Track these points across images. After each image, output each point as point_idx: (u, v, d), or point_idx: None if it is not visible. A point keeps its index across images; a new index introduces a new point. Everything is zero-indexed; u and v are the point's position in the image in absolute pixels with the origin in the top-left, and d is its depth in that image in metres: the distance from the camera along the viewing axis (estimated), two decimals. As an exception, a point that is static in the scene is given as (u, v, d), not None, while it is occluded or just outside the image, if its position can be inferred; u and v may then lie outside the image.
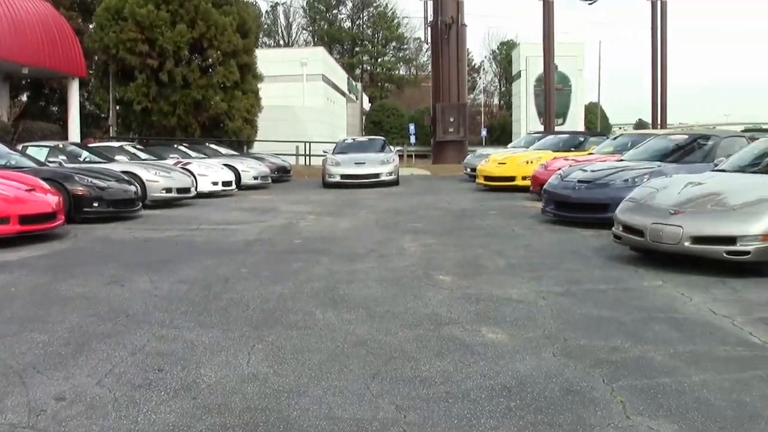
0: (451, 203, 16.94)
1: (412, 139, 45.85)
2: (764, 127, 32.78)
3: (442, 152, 31.94)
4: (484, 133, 60.41)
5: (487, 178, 20.01)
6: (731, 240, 7.91)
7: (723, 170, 10.08)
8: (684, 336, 5.84)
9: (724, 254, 7.92)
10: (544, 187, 13.28)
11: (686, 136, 14.42)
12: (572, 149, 20.47)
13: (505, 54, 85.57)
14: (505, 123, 67.70)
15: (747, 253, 7.83)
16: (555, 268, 8.65)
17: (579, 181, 12.49)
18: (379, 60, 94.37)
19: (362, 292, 7.53)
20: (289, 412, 4.30)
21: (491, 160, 20.58)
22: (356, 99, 67.89)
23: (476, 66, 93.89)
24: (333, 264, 9.13)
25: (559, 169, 14.01)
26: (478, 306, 6.89)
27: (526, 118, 55.84)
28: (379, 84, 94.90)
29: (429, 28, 34.25)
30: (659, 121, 38.93)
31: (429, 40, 34.81)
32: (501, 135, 62.77)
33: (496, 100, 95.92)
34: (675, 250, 8.23)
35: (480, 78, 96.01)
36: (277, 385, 4.74)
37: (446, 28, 32.13)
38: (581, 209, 12.10)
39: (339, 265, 9.03)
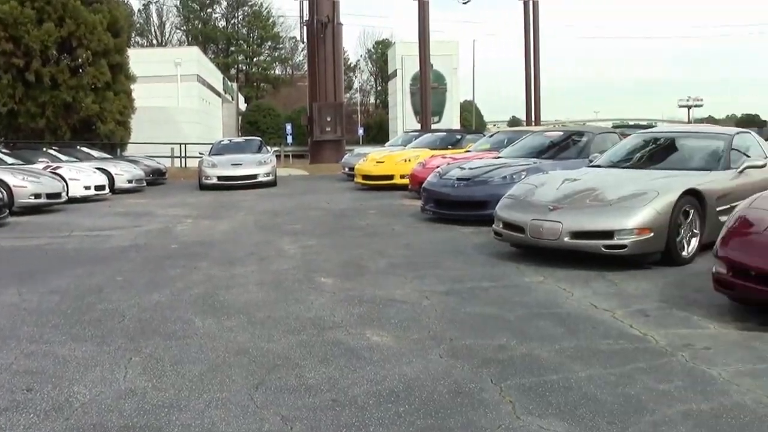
0: (330, 203, 16.81)
1: (289, 139, 45.51)
2: (631, 123, 33.95)
3: (319, 152, 31.76)
4: (361, 132, 60.49)
5: (365, 177, 19.95)
6: (609, 234, 8.04)
7: (598, 166, 10.27)
8: (568, 331, 5.87)
9: (603, 248, 8.05)
10: (423, 185, 13.30)
11: (561, 133, 14.70)
12: (449, 147, 20.63)
13: (380, 53, 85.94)
14: (381, 121, 67.99)
15: (624, 246, 7.98)
16: (437, 267, 8.63)
17: (458, 179, 12.54)
18: (255, 60, 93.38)
19: (242, 298, 7.34)
20: (169, 429, 4.10)
21: (369, 159, 20.54)
22: (232, 99, 66.98)
23: (352, 65, 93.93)
24: (212, 269, 8.89)
25: (437, 167, 14.06)
26: (361, 308, 6.78)
27: (402, 116, 56.14)
28: (255, 84, 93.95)
29: (305, 28, 34.01)
30: (533, 118, 39.75)
31: (305, 40, 34.53)
32: (378, 134, 63.00)
33: (372, 99, 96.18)
34: (555, 245, 8.32)
35: (356, 77, 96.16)
36: (156, 400, 4.53)
37: (322, 27, 32.00)
38: (461, 207, 12.16)
39: (218, 270, 8.80)
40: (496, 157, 14.12)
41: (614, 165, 10.15)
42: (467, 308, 6.70)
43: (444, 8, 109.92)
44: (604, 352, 5.34)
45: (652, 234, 8.02)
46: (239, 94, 75.16)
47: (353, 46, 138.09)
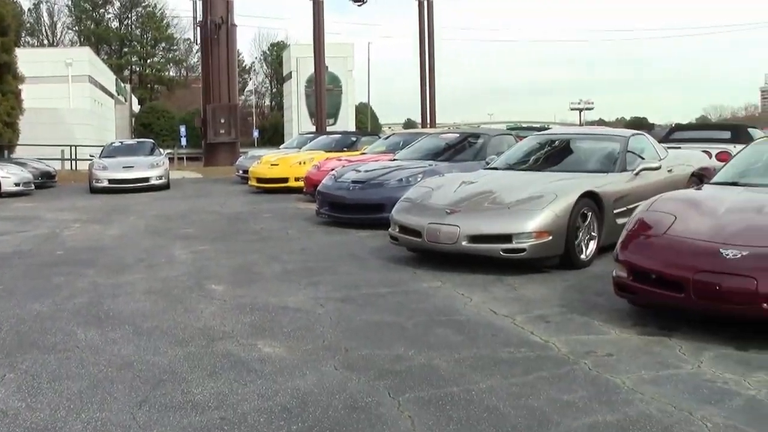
0: (223, 207, 16.35)
1: (183, 142, 44.55)
2: (524, 125, 34.22)
3: (213, 154, 31.08)
4: (256, 134, 59.71)
5: (259, 180, 19.52)
6: (507, 238, 7.89)
7: (495, 168, 10.15)
8: (467, 339, 5.67)
9: (501, 252, 7.89)
10: (318, 188, 13.00)
11: (457, 135, 14.59)
12: (344, 149, 20.38)
13: (275, 55, 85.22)
14: (277, 124, 67.36)
15: (523, 250, 7.84)
16: (332, 273, 8.35)
17: (353, 182, 12.28)
18: (149, 61, 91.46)
19: (129, 307, 6.93)
20: (37, 457, 3.70)
21: (263, 162, 20.12)
22: (125, 101, 65.42)
23: (247, 67, 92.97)
24: (98, 276, 8.43)
25: (333, 169, 13.78)
26: (253, 317, 6.46)
27: (298, 118, 55.73)
28: (149, 86, 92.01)
29: (198, 28, 33.26)
30: (428, 121, 39.80)
31: (198, 41, 33.77)
32: (273, 136, 62.35)
33: (267, 101, 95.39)
34: (453, 249, 8.13)
35: (251, 79, 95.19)
36: (29, 422, 4.17)
37: (216, 28, 31.34)
38: (356, 210, 11.90)
39: (105, 278, 8.34)
40: (391, 160, 13.92)
41: (511, 167, 10.05)
42: (363, 316, 6.44)
43: (340, 11, 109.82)
44: (505, 361, 5.14)
45: (550, 237, 7.91)
46: (132, 96, 73.44)
47: (248, 47, 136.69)
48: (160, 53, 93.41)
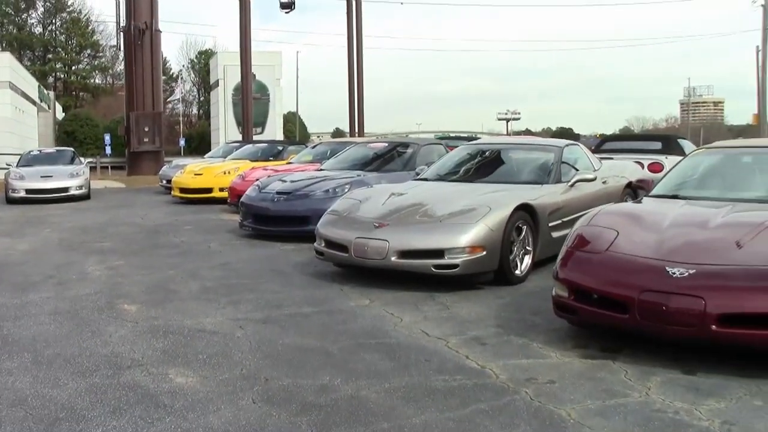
0: (144, 218, 15.66)
1: (108, 150, 43.38)
2: (453, 135, 34.03)
3: (137, 163, 30.19)
4: (182, 143, 58.45)
5: (182, 190, 18.86)
6: (439, 253, 7.49)
7: (425, 179, 9.77)
8: (398, 366, 5.24)
9: (433, 268, 7.49)
10: (242, 199, 12.47)
11: (386, 145, 14.18)
12: (270, 159, 19.85)
13: (203, 63, 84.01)
14: (204, 132, 66.20)
15: (455, 266, 7.45)
16: (254, 290, 7.85)
17: (278, 193, 11.78)
18: (74, 68, 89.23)
19: (31, 331, 6.36)
20: None
21: (187, 171, 19.45)
22: (48, 108, 63.62)
23: (174, 75, 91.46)
24: (1, 296, 7.78)
25: (257, 179, 13.25)
26: (166, 341, 5.94)
27: (225, 127, 54.72)
28: (74, 93, 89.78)
29: (122, 34, 32.30)
30: (356, 130, 39.42)
31: (122, 47, 32.80)
32: (200, 144, 61.20)
33: (195, 110, 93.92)
34: (382, 265, 7.70)
35: (178, 87, 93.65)
36: None
37: (140, 33, 30.45)
38: (281, 222, 11.40)
39: (8, 297, 7.74)
40: (318, 170, 13.45)
41: (442, 178, 9.68)
42: (286, 339, 5.97)
43: (269, 19, 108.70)
44: (439, 390, 4.72)
45: (484, 252, 7.53)
46: (56, 104, 71.52)
47: (175, 55, 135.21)
48: (86, 60, 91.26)
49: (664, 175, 7.66)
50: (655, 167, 12.66)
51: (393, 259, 7.59)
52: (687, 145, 15.17)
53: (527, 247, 8.23)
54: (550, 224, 8.63)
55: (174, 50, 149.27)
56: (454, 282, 7.69)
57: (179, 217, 15.53)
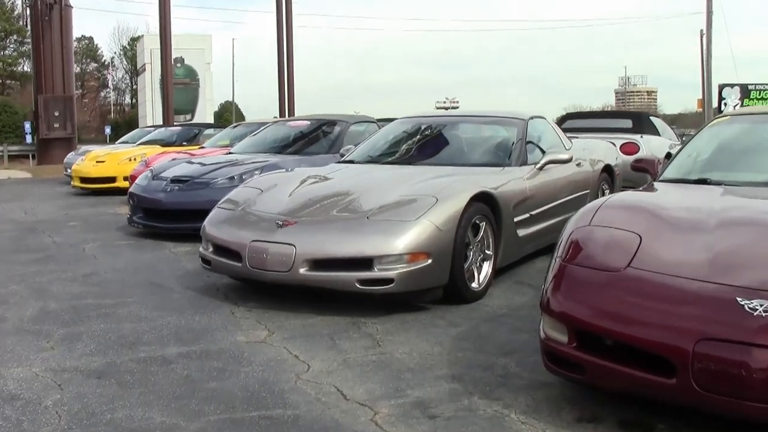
0: (28, 213, 13.16)
1: (29, 139, 40.34)
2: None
3: (47, 151, 27.31)
4: (108, 130, 55.30)
5: (83, 179, 16.39)
6: (366, 263, 5.31)
7: (351, 161, 7.57)
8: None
9: (357, 284, 5.31)
10: (131, 189, 10.14)
11: (308, 123, 11.86)
12: (184, 143, 17.46)
13: (136, 50, 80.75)
14: (131, 120, 62.97)
15: (389, 281, 5.27)
16: (110, 316, 5.60)
17: (172, 181, 9.48)
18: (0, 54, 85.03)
19: None
20: None
21: (89, 158, 16.95)
22: (-34, 96, 60.03)
23: (107, 62, 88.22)
24: None
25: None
26: None
27: (152, 113, 51.75)
28: (2, 81, 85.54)
29: (27, 9, 29.42)
30: (287, 113, 36.81)
31: (28, 24, 29.89)
32: (127, 132, 58.19)
33: (128, 99, 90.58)
34: (287, 280, 5.49)
35: (110, 74, 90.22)
36: None
37: (47, 8, 27.59)
38: (176, 218, 9.10)
39: None
40: (227, 153, 11.17)
41: (373, 160, 7.49)
42: (118, 411, 3.75)
43: (202, 4, 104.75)
44: None
45: (429, 260, 5.38)
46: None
47: (107, 42, 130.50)
48: (12, 46, 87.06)
49: (677, 153, 5.55)
50: (629, 148, 10.64)
51: (302, 271, 5.38)
52: (659, 123, 13.18)
53: (486, 251, 6.10)
54: (516, 219, 6.53)
55: (105, 36, 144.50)
56: (388, 302, 5.54)
57: (70, 212, 13.09)
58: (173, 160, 11.22)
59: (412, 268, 5.30)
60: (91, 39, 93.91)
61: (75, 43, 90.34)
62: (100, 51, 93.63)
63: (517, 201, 6.57)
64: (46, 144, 27.48)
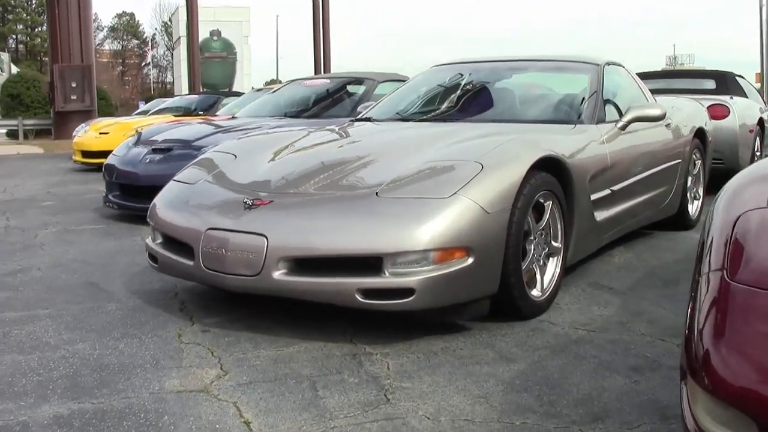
0: (7, 191, 11.40)
1: (54, 112, 38.92)
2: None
3: (64, 125, 25.46)
4: (142, 105, 54.02)
5: (84, 153, 14.66)
6: (373, 263, 3.44)
7: (368, 119, 5.70)
8: None
9: (359, 296, 3.42)
10: (107, 159, 8.36)
11: (328, 81, 9.98)
12: (201, 113, 15.68)
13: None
14: (167, 95, 61.84)
15: (408, 291, 3.39)
16: (5, 337, 3.78)
17: (154, 150, 7.69)
18: (36, 30, 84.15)
19: None
20: None
21: (92, 130, 15.23)
22: (2, 71, 58.97)
23: (148, 39, 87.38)
24: None
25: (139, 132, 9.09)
26: None
27: (188, 88, 50.26)
28: (39, 57, 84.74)
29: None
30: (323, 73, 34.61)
31: (46, -14, 28.14)
32: (162, 107, 56.83)
33: (169, 76, 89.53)
34: (255, 287, 3.64)
35: (149, 51, 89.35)
36: None
37: (63, -29, 25.80)
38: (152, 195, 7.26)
39: None
40: (231, 118, 9.34)
41: (398, 118, 5.60)
42: None
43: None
44: None
45: (470, 259, 3.51)
46: (13, 66, 66.68)
47: (148, 18, 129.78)
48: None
49: None
50: (718, 111, 8.62)
51: (277, 275, 3.53)
52: (746, 84, 11.10)
53: (553, 243, 4.21)
54: (593, 197, 4.62)
55: (147, 13, 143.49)
56: (406, 322, 3.68)
57: (56, 189, 11.36)
58: (167, 124, 9.45)
59: (444, 271, 3.44)
60: (132, 15, 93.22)
61: (116, 20, 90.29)
62: (141, 27, 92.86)
63: (595, 171, 4.67)
64: (62, 117, 25.74)
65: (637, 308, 4.17)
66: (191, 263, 3.86)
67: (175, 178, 4.70)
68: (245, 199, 3.86)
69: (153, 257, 4.30)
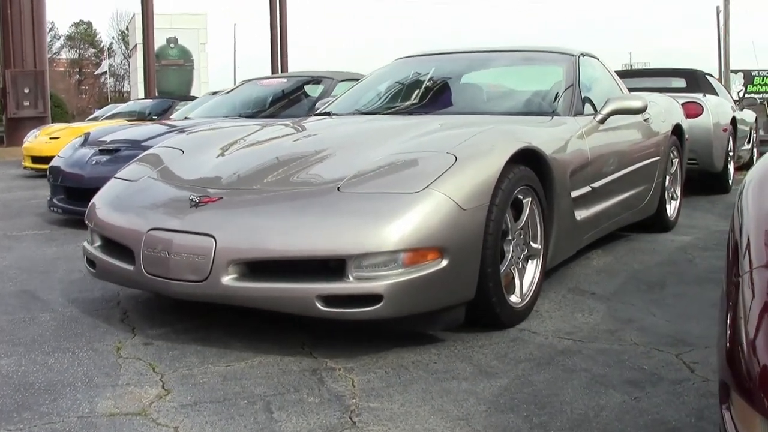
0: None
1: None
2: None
3: (17, 131, 24.67)
4: (96, 113, 53.20)
5: (34, 159, 14.12)
6: (335, 266, 3.05)
7: (328, 113, 5.30)
8: None
9: (320, 304, 3.02)
10: (52, 161, 7.88)
11: (285, 81, 9.55)
12: (155, 117, 15.18)
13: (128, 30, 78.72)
14: (123, 102, 61.03)
15: (375, 297, 3.01)
16: None
17: (101, 151, 7.24)
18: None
19: None
20: None
21: (42, 134, 14.69)
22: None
23: (105, 47, 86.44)
24: None
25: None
26: None
27: (144, 94, 49.51)
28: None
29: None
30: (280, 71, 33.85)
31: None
32: (118, 115, 55.95)
33: (126, 86, 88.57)
34: (202, 295, 3.24)
35: (104, 59, 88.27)
36: None
37: (16, -26, 25.10)
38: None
39: None
40: (184, 119, 8.91)
41: (360, 112, 5.21)
42: None
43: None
44: None
45: (444, 262, 3.13)
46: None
47: (105, 27, 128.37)
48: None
49: None
50: (692, 109, 8.33)
51: (226, 280, 3.12)
52: (715, 83, 10.86)
53: (533, 244, 3.84)
54: (574, 194, 4.26)
55: (104, 21, 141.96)
56: (371, 331, 3.30)
57: (1, 195, 10.83)
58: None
59: (415, 275, 3.05)
60: (89, 24, 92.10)
61: (73, 28, 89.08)
62: (98, 36, 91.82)
63: (575, 167, 4.32)
64: (15, 123, 24.96)
65: (625, 315, 3.81)
66: (131, 268, 3.44)
67: (116, 175, 4.27)
68: (191, 197, 3.44)
69: (91, 262, 3.87)
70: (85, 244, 4.01)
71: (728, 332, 1.57)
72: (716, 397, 2.04)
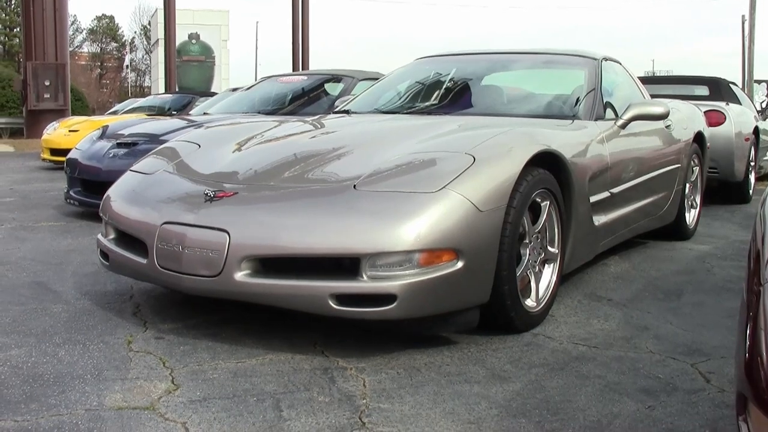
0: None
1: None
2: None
3: (37, 124, 24.75)
4: (117, 107, 53.38)
5: (53, 151, 14.17)
6: (350, 265, 3.02)
7: (346, 111, 5.27)
8: None
9: (333, 302, 2.99)
10: (69, 155, 7.88)
11: (305, 78, 9.54)
12: (174, 112, 15.20)
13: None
14: (144, 97, 61.25)
15: (389, 297, 2.97)
16: None
17: (118, 144, 7.23)
18: (15, 30, 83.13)
19: None
20: None
21: (62, 127, 14.73)
22: (-23, 71, 58.15)
23: (127, 42, 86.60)
24: None
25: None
26: None
27: (165, 89, 49.64)
28: (18, 59, 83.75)
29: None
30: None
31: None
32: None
33: (148, 80, 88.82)
34: (215, 290, 3.22)
35: (126, 54, 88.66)
36: None
37: (39, -34, 25.15)
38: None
39: None
40: (203, 115, 8.90)
41: (381, 111, 5.18)
42: None
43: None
44: None
45: (459, 263, 3.09)
46: (-12, 66, 65.86)
47: (128, 21, 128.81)
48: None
49: None
50: (714, 117, 8.26)
51: (239, 276, 3.10)
52: (739, 91, 10.76)
53: (550, 248, 3.79)
54: (592, 199, 4.21)
55: (126, 16, 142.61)
56: (384, 331, 3.26)
57: (19, 186, 10.86)
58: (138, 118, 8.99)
59: (430, 276, 3.02)
60: (111, 18, 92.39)
61: (95, 22, 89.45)
62: (120, 30, 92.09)
63: (594, 171, 4.27)
64: (35, 116, 25.04)
65: (641, 322, 3.76)
66: (144, 261, 3.42)
67: (132, 168, 4.25)
68: (206, 191, 3.42)
69: (104, 254, 3.85)
70: (99, 236, 3.99)
71: (747, 343, 1.52)
72: (731, 408, 1.99)
